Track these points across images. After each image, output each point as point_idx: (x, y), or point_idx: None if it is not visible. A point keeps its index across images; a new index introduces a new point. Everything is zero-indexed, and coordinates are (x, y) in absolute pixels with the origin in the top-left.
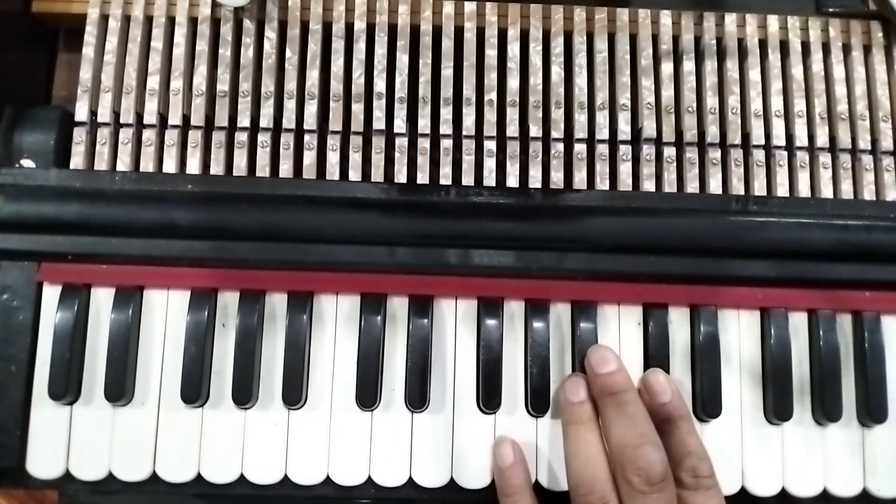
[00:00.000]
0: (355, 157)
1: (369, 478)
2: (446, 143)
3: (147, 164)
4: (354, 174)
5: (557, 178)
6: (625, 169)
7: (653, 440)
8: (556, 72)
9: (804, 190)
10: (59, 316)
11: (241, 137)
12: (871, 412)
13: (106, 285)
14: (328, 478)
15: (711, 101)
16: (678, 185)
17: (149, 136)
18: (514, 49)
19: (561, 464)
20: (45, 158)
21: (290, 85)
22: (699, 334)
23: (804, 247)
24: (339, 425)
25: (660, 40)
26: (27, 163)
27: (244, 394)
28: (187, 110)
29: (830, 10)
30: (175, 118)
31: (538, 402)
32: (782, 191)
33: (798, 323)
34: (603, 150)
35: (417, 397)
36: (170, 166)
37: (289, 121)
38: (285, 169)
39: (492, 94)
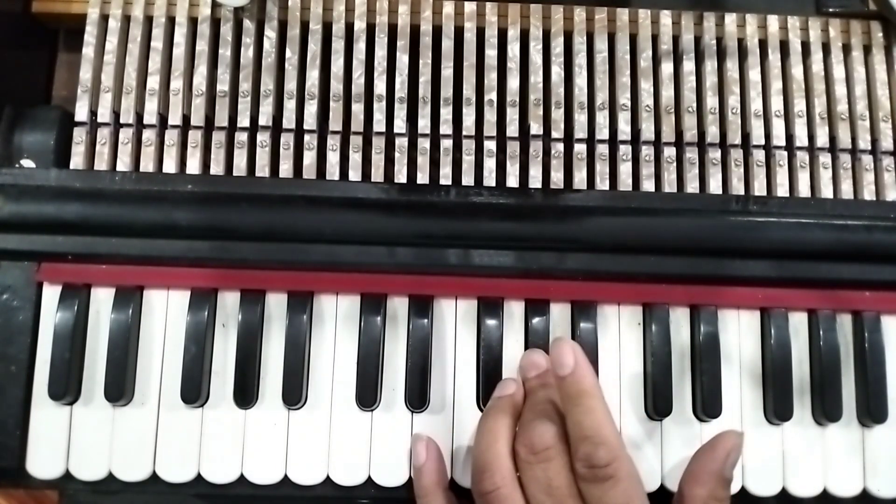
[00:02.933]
0: (355, 157)
1: (369, 478)
2: (446, 143)
3: (147, 164)
4: (354, 174)
5: (557, 178)
6: (625, 169)
7: (547, 413)
8: (556, 72)
9: (804, 190)
10: (59, 316)
11: (241, 137)
12: (871, 412)
13: (106, 285)
14: (328, 478)
15: (711, 101)
16: (678, 186)
17: (149, 136)
18: (514, 49)
19: None
20: (45, 158)
21: (290, 85)
22: (699, 334)
23: (804, 247)
24: (339, 425)
25: (660, 40)
26: (27, 163)
27: (244, 394)
28: (187, 110)
29: (830, 10)
30: (175, 118)
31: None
32: (782, 191)
33: (798, 323)
34: (603, 150)
35: (417, 397)
36: (170, 166)
37: (289, 121)
38: (285, 169)
39: (492, 94)
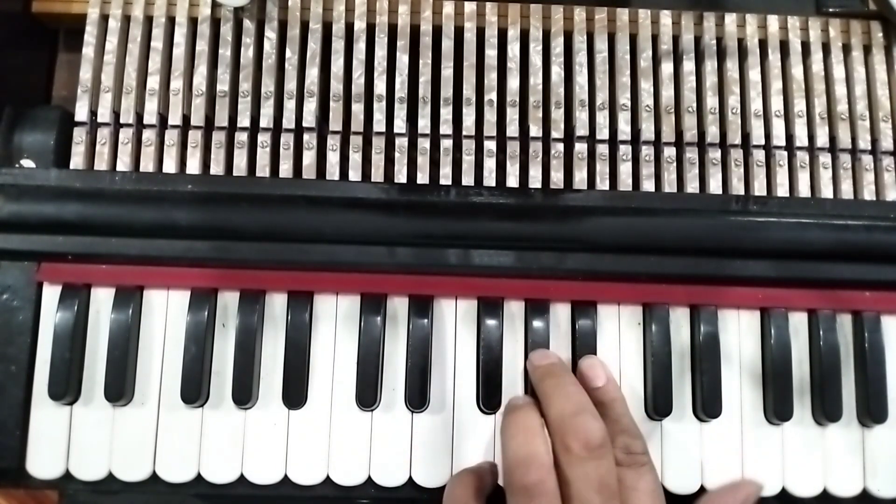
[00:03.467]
0: (355, 157)
1: (369, 478)
2: (446, 143)
3: (147, 164)
4: (354, 174)
5: (557, 178)
6: (625, 169)
7: (591, 410)
8: (556, 72)
9: (804, 190)
10: (59, 316)
11: (241, 137)
12: (871, 412)
13: (106, 285)
14: (328, 478)
15: (711, 101)
16: (678, 185)
17: (149, 136)
18: (514, 49)
19: None
20: (45, 158)
21: (290, 85)
22: (699, 334)
23: (804, 247)
24: (339, 425)
25: (660, 40)
26: (27, 163)
27: (244, 394)
28: (187, 110)
29: (830, 10)
30: (175, 118)
31: (538, 401)
32: (782, 191)
33: (798, 323)
34: (603, 150)
35: (417, 397)
36: (170, 166)
37: (289, 121)
38: (285, 169)
39: (492, 94)
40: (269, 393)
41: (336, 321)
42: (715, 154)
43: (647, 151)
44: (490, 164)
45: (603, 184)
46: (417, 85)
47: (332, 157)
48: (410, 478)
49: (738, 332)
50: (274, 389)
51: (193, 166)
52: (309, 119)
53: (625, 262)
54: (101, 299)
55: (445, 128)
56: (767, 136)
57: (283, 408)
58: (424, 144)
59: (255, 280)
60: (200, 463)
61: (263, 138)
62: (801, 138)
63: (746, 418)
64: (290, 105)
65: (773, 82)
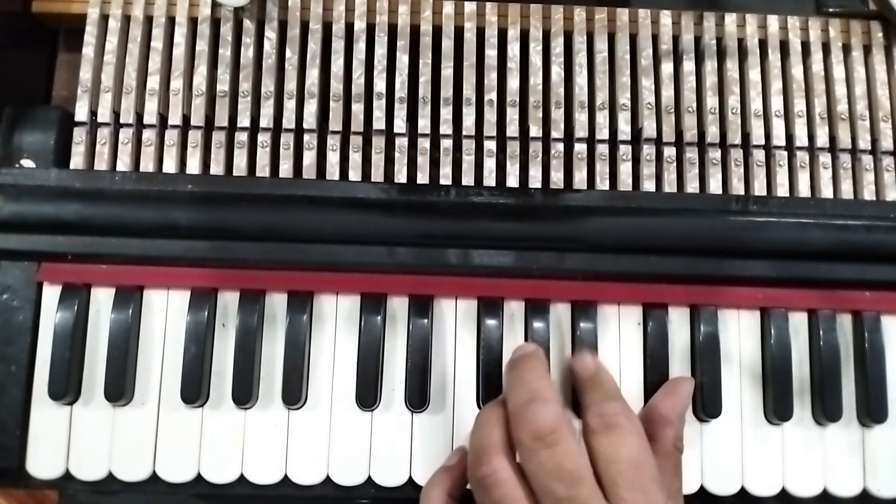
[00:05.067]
0: (355, 157)
1: (369, 478)
2: (446, 143)
3: (147, 164)
4: (354, 174)
5: (557, 178)
6: (625, 169)
7: (542, 396)
8: (556, 72)
9: (804, 190)
10: (59, 316)
11: (241, 137)
12: (871, 412)
13: (106, 285)
14: (328, 478)
15: (711, 101)
16: (678, 185)
17: (149, 136)
18: (514, 49)
19: None
20: (45, 158)
21: (290, 85)
22: (699, 334)
23: (804, 247)
24: (339, 425)
25: (660, 40)
26: (27, 163)
27: (244, 394)
28: (187, 110)
29: (830, 10)
30: (175, 118)
31: None
32: (782, 191)
33: (798, 323)
34: (603, 150)
35: (417, 397)
36: (170, 166)
37: (289, 121)
38: (285, 169)
39: (492, 94)
40: (269, 393)
41: (336, 321)
42: (715, 154)
43: (647, 151)
44: (490, 164)
45: (603, 184)
46: (417, 85)
47: (332, 157)
48: (410, 478)
49: (738, 332)
50: (274, 389)
51: (193, 166)
52: (309, 119)
53: (625, 262)
54: (101, 299)
55: (445, 128)
56: (767, 136)
57: (283, 408)
58: (424, 144)
59: (255, 280)
60: (200, 463)
61: (263, 138)
62: (801, 138)
63: (746, 418)
64: (290, 105)
65: (773, 82)
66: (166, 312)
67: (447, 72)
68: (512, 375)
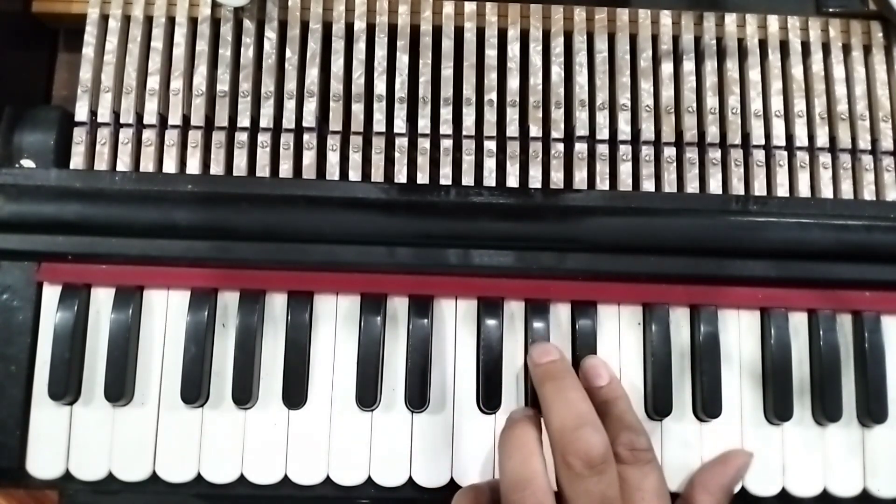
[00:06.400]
0: (355, 157)
1: (369, 478)
2: (446, 143)
3: (147, 164)
4: (354, 174)
5: (557, 178)
6: (625, 169)
7: (592, 421)
8: (556, 72)
9: (804, 190)
10: (59, 316)
11: (241, 137)
12: (871, 412)
13: (106, 285)
14: (328, 478)
15: (711, 101)
16: (678, 185)
17: (149, 136)
18: (514, 49)
19: None
20: (45, 158)
21: (290, 85)
22: (699, 334)
23: (804, 247)
24: (339, 425)
25: (660, 40)
26: (27, 163)
27: (244, 394)
28: (187, 110)
29: (830, 10)
30: (175, 118)
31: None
32: (782, 191)
33: (798, 323)
34: (603, 150)
35: (417, 397)
36: (170, 166)
37: (289, 121)
38: (285, 169)
39: (492, 94)
40: (269, 393)
41: (336, 321)
42: (715, 154)
43: (647, 151)
44: (490, 164)
45: (603, 184)
46: (417, 85)
47: (332, 157)
48: (410, 478)
49: (738, 332)
50: (274, 389)
51: (193, 166)
52: (309, 119)
53: (625, 262)
54: (101, 299)
55: (445, 128)
56: (767, 136)
57: (283, 408)
58: (424, 144)
59: (255, 280)
60: (200, 463)
61: (263, 138)
62: (801, 138)
63: (746, 418)
64: (290, 105)
65: (773, 82)
66: (166, 312)
67: (447, 72)
68: (551, 390)
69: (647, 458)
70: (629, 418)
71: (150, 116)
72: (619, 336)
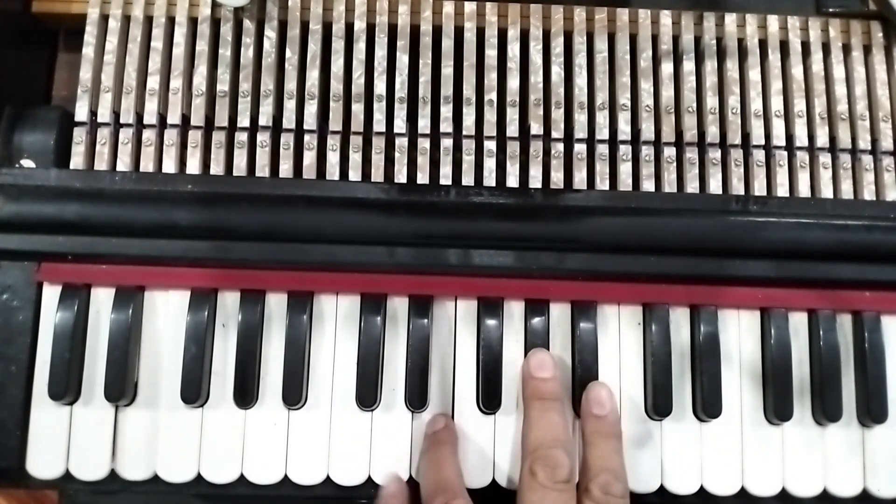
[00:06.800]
0: (355, 157)
1: (369, 478)
2: (446, 143)
3: (147, 164)
4: (354, 174)
5: (557, 178)
6: (625, 169)
7: (567, 447)
8: (556, 72)
9: (804, 190)
10: (59, 316)
11: (241, 137)
12: (871, 412)
13: (106, 285)
14: (328, 478)
15: (711, 101)
16: (678, 185)
17: (149, 136)
18: (514, 49)
19: None
20: (45, 158)
21: (290, 85)
22: (699, 334)
23: (804, 247)
24: (339, 425)
25: (660, 40)
26: (27, 163)
27: (244, 394)
28: (187, 110)
29: (830, 10)
30: (175, 118)
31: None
32: (782, 191)
33: (798, 323)
34: (603, 150)
35: (417, 397)
36: (170, 166)
37: (289, 121)
38: (285, 169)
39: (492, 94)
40: (269, 393)
41: (336, 321)
42: (715, 154)
43: (647, 151)
44: (490, 164)
45: (603, 184)
46: (417, 85)
47: (332, 157)
48: (411, 477)
49: (738, 332)
50: (274, 389)
51: (193, 166)
52: (309, 119)
53: (625, 262)
54: (101, 299)
55: (445, 127)
56: (767, 136)
57: (283, 408)
58: (424, 144)
59: (255, 280)
60: (200, 463)
61: (263, 138)
62: (801, 138)
63: (746, 418)
64: (290, 105)
65: (773, 82)
66: (166, 312)
67: (447, 71)
68: (538, 409)
69: None
70: (615, 461)
71: (150, 116)
72: (619, 336)
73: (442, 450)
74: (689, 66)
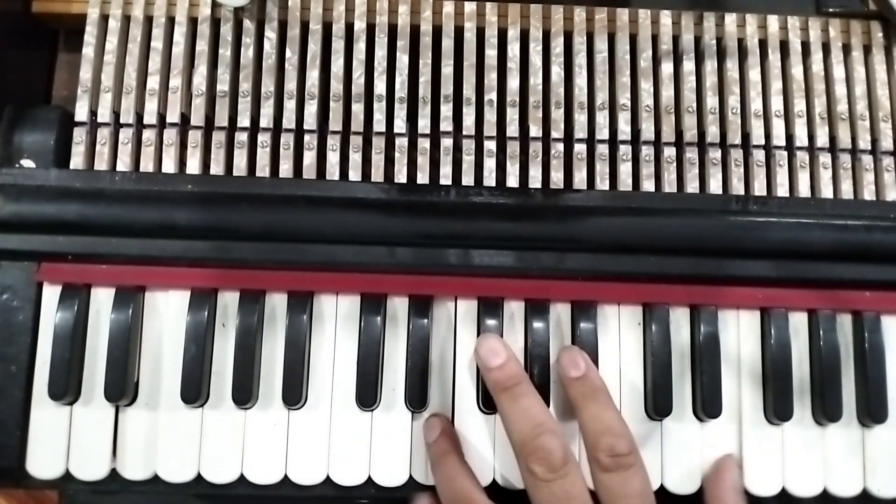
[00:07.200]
0: (355, 157)
1: (369, 478)
2: (446, 143)
3: (147, 164)
4: (354, 174)
5: (557, 178)
6: (625, 169)
7: (550, 428)
8: (556, 72)
9: (804, 190)
10: (59, 316)
11: (241, 137)
12: (871, 412)
13: (106, 285)
14: (328, 478)
15: (711, 101)
16: (678, 185)
17: (149, 136)
18: (514, 49)
19: None
20: (45, 158)
21: (290, 85)
22: (699, 334)
23: (804, 247)
24: (339, 425)
25: (660, 40)
26: (27, 163)
27: (244, 394)
28: (187, 110)
29: (830, 10)
30: (175, 118)
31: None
32: (782, 191)
33: (798, 323)
34: (603, 150)
35: (417, 397)
36: (170, 166)
37: (289, 121)
38: (285, 169)
39: (492, 94)
40: (269, 393)
41: (336, 321)
42: (715, 154)
43: (647, 151)
44: (490, 164)
45: (603, 184)
46: (417, 85)
47: (332, 157)
48: (411, 477)
49: (738, 332)
50: (274, 389)
51: (193, 166)
52: (309, 119)
53: (625, 262)
54: (101, 299)
55: (445, 127)
56: (767, 136)
57: (283, 408)
58: (424, 144)
59: (255, 280)
60: (200, 463)
61: (263, 138)
62: (801, 138)
63: (746, 418)
64: (290, 105)
65: (773, 82)
66: (166, 312)
67: (447, 71)
68: (507, 400)
69: (629, 463)
70: (608, 417)
71: (150, 116)
72: (619, 336)
73: (447, 461)
74: (689, 66)
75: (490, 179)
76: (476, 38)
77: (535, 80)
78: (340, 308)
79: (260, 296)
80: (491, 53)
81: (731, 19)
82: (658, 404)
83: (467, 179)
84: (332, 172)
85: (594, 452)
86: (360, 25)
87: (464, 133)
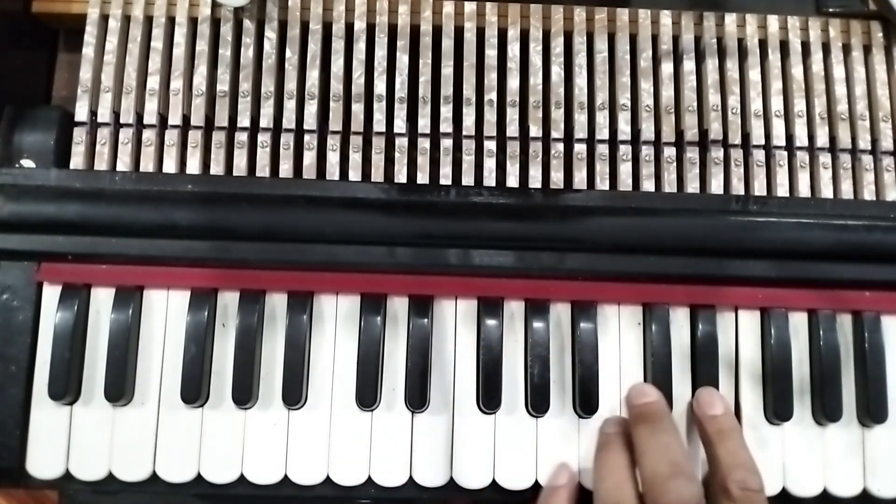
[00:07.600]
0: (355, 157)
1: (369, 478)
2: (446, 143)
3: (147, 164)
4: (354, 174)
5: (557, 178)
6: (625, 169)
7: (685, 472)
8: (556, 72)
9: (804, 190)
10: (59, 316)
11: (241, 137)
12: (871, 412)
13: (106, 285)
14: (328, 478)
15: (711, 101)
16: (678, 185)
17: (149, 136)
18: (514, 49)
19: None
20: (45, 158)
21: (290, 85)
22: (699, 334)
23: (804, 247)
24: (339, 425)
25: (660, 40)
26: (27, 163)
27: (244, 394)
28: (187, 110)
29: (830, 10)
30: (175, 118)
31: (538, 402)
32: (782, 191)
33: (798, 323)
34: (603, 150)
35: (417, 397)
36: (170, 166)
37: (289, 121)
38: (285, 169)
39: (492, 94)
40: (269, 393)
41: (336, 321)
42: (715, 154)
43: (647, 151)
44: (490, 164)
45: (603, 184)
46: (417, 85)
47: (332, 157)
48: (411, 477)
49: (738, 333)
50: (274, 389)
51: (193, 166)
52: (309, 119)
53: (625, 262)
54: (101, 299)
55: (445, 127)
56: (767, 136)
57: (283, 408)
58: (424, 144)
59: (255, 280)
60: (200, 463)
61: (263, 138)
62: (801, 138)
63: (746, 418)
64: (290, 105)
65: (773, 82)
66: (166, 312)
67: (447, 71)
68: (646, 433)
69: (757, 500)
70: (744, 455)
71: (150, 116)
72: (619, 336)
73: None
74: (689, 65)
75: (490, 179)
76: (476, 38)
77: (535, 80)
78: (340, 308)
79: (260, 296)
80: (491, 53)
81: (731, 19)
82: None
83: (467, 179)
84: (332, 172)
85: (725, 482)
86: (360, 25)
87: (464, 133)
